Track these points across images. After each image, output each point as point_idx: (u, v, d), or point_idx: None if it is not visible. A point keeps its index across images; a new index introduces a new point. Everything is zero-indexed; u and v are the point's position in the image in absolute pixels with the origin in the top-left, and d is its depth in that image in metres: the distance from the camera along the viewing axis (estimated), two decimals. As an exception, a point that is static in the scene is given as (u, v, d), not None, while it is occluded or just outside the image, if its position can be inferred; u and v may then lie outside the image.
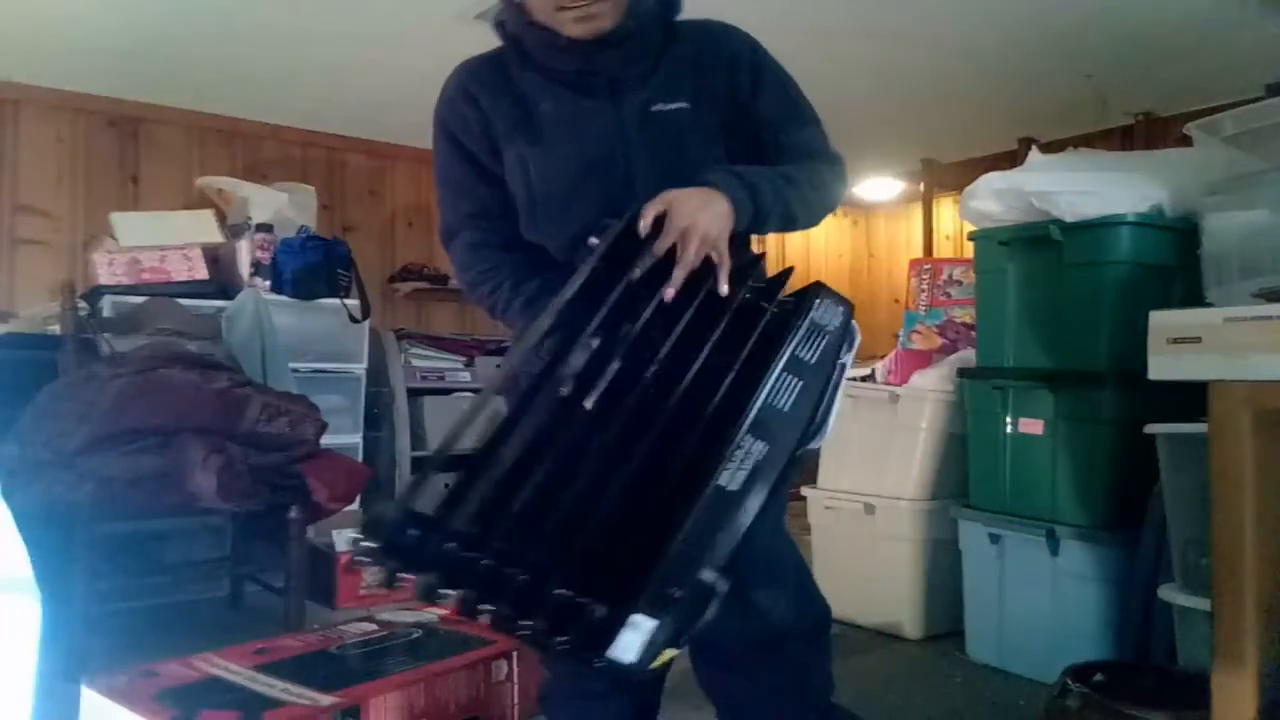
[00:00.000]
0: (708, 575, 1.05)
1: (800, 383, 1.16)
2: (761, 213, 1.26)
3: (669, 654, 1.03)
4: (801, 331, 1.18)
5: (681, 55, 1.38)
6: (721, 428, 1.11)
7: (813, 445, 1.20)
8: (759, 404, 1.11)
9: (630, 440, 1.11)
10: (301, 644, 1.96)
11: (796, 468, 1.21)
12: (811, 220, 1.39)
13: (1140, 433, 2.09)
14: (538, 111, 1.36)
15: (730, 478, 1.09)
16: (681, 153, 1.34)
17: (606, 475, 1.09)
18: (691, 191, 1.20)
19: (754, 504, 1.10)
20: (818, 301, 1.21)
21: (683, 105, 1.35)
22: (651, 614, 1.01)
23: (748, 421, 1.11)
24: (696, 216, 1.16)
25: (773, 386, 1.13)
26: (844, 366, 1.24)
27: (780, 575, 1.40)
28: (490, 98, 1.38)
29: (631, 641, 1.00)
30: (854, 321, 1.26)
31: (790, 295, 1.23)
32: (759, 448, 1.11)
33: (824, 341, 1.20)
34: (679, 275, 1.15)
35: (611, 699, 1.41)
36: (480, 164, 1.40)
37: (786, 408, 1.14)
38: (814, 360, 1.18)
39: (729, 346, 1.16)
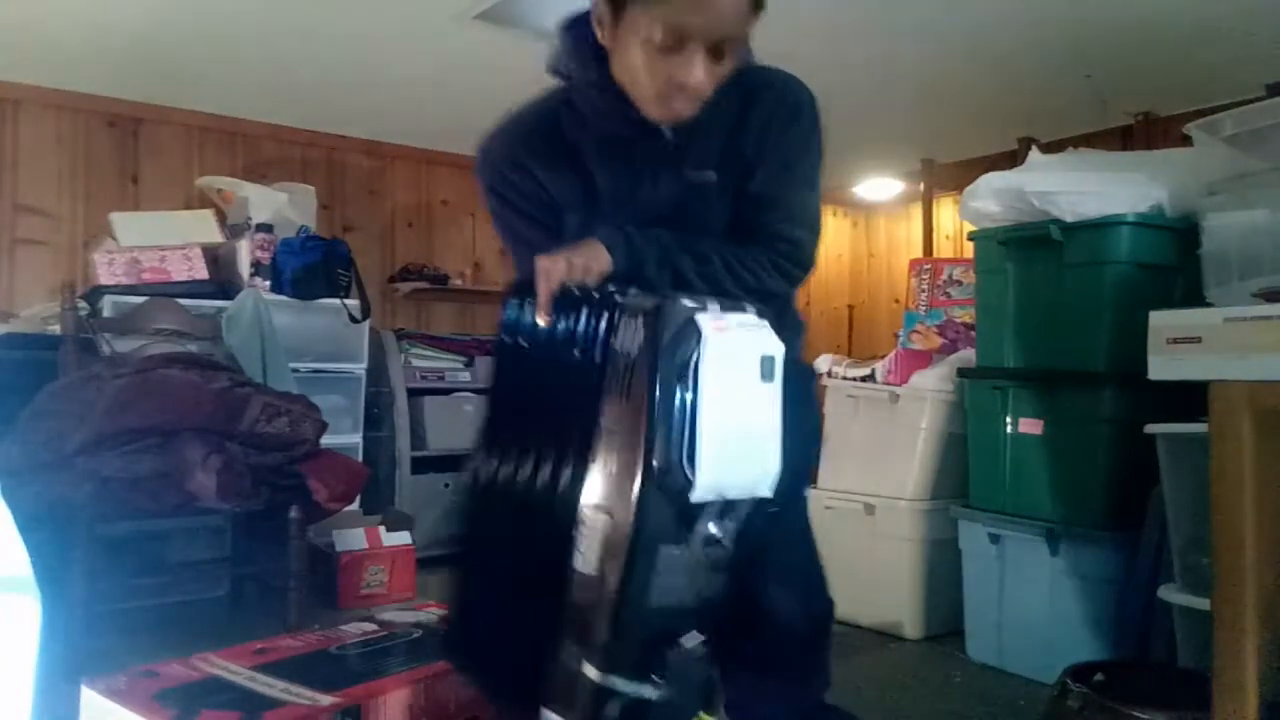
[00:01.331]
0: (586, 669, 0.99)
1: (622, 427, 1.01)
2: (635, 260, 1.21)
3: None
4: (612, 376, 1.03)
5: (723, 117, 1.30)
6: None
7: (699, 485, 1.00)
8: (586, 473, 1.03)
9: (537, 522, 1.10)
10: (301, 644, 1.96)
11: (698, 514, 1.03)
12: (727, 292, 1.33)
13: (1140, 433, 2.09)
14: (594, 176, 1.32)
15: (582, 560, 1.02)
16: (705, 225, 1.31)
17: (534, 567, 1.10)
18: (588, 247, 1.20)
19: (615, 584, 0.99)
20: (617, 327, 1.05)
21: (711, 177, 1.30)
22: (554, 709, 1.02)
23: (579, 499, 1.03)
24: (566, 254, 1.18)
25: (598, 450, 1.02)
26: (686, 376, 1.01)
27: (791, 574, 1.40)
28: (545, 169, 1.34)
29: None
30: (700, 316, 1.02)
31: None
32: (602, 520, 1.01)
33: (633, 368, 1.01)
34: (540, 298, 1.15)
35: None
36: (543, 223, 1.37)
37: (614, 468, 1.01)
38: (629, 393, 1.01)
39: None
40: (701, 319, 1.01)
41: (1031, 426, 2.41)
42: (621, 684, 0.98)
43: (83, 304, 2.90)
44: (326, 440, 2.63)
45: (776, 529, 1.14)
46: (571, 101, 1.33)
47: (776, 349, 1.06)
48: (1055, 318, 2.36)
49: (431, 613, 2.22)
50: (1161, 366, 1.92)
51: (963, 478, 2.64)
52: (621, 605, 0.98)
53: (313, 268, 3.31)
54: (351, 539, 3.08)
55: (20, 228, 3.51)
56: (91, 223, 3.58)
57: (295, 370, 3.13)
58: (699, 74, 1.18)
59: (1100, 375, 2.27)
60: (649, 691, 0.99)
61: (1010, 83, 3.42)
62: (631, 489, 0.99)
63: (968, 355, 2.79)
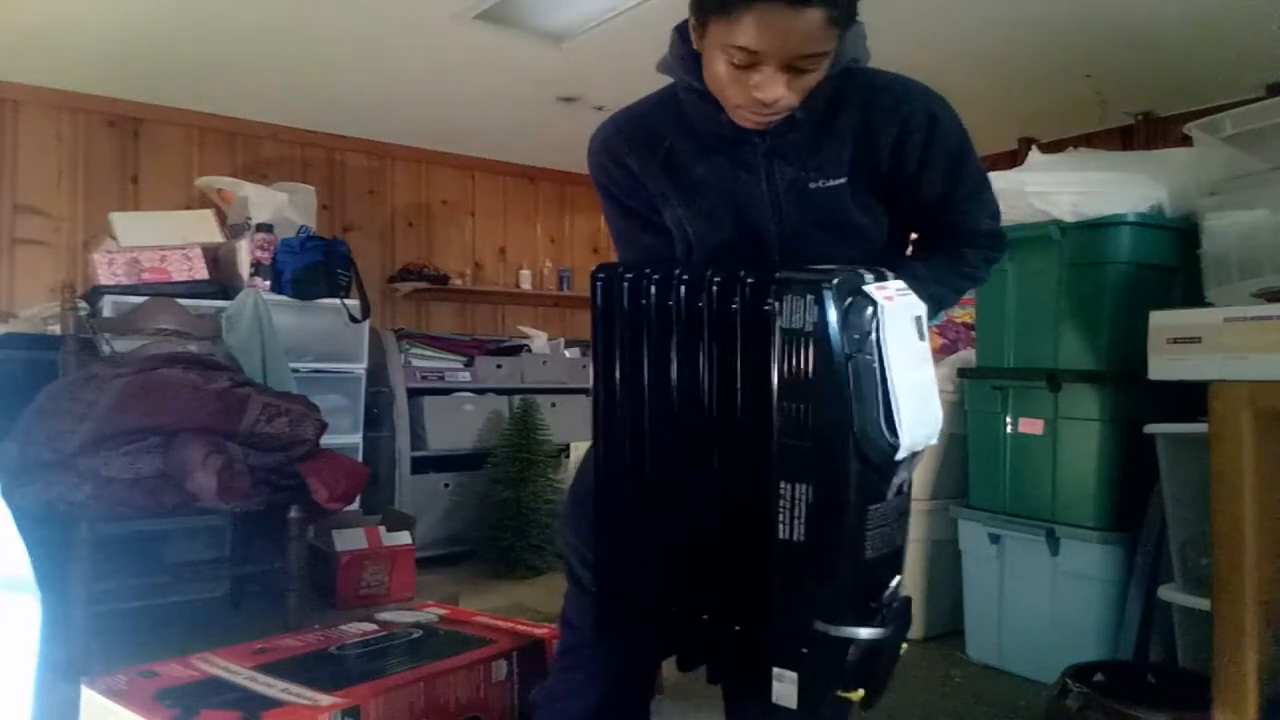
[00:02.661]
0: (822, 626, 1.05)
1: (806, 405, 1.04)
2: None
3: (854, 695, 1.07)
4: (776, 350, 1.06)
5: (846, 124, 1.29)
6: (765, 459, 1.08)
7: (903, 445, 1.06)
8: (774, 448, 1.06)
9: (709, 481, 1.13)
10: (301, 644, 1.96)
11: (894, 470, 1.10)
12: (949, 306, 1.40)
13: (1140, 433, 2.09)
14: (691, 174, 1.32)
15: (788, 529, 1.06)
16: (836, 226, 1.30)
17: (709, 519, 1.13)
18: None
19: (837, 546, 1.04)
20: (777, 306, 1.07)
21: (841, 182, 1.28)
22: (787, 667, 1.07)
23: (773, 469, 1.06)
24: None
25: (780, 426, 1.06)
26: (867, 345, 1.05)
27: None
28: (640, 160, 1.34)
29: (785, 691, 1.07)
30: (868, 287, 1.07)
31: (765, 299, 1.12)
32: (801, 490, 1.05)
33: (809, 344, 1.04)
34: None
35: (603, 714, 1.40)
36: (642, 216, 1.39)
37: (808, 440, 1.05)
38: (811, 369, 1.04)
39: (755, 369, 1.09)
40: (870, 290, 1.06)
41: (1031, 426, 2.41)
42: (858, 631, 1.05)
43: (83, 304, 2.90)
44: (326, 440, 2.63)
45: None
46: (677, 98, 1.33)
47: (922, 309, 1.14)
48: (1055, 318, 2.36)
49: (431, 613, 2.22)
50: (1161, 366, 1.92)
51: (963, 478, 2.64)
52: (844, 565, 1.05)
53: (313, 268, 3.31)
54: (351, 539, 3.08)
55: (20, 228, 3.51)
56: (91, 223, 3.58)
57: (295, 370, 3.13)
58: (776, 91, 1.17)
59: (1100, 375, 2.27)
60: (880, 633, 1.06)
61: (1010, 83, 3.42)
62: (835, 459, 1.04)
63: (968, 355, 2.79)
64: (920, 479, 2.70)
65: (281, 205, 3.41)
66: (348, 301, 3.39)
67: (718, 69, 1.19)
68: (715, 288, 1.12)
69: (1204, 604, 1.66)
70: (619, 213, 1.42)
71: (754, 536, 1.10)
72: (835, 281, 1.04)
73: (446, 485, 3.76)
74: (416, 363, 3.85)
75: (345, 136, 4.20)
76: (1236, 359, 1.70)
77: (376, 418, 3.67)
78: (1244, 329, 1.73)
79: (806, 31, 1.13)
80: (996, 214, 1.40)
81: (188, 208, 3.69)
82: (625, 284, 1.19)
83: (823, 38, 1.14)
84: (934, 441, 1.15)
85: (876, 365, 1.04)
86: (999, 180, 2.40)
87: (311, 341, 3.34)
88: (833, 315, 1.03)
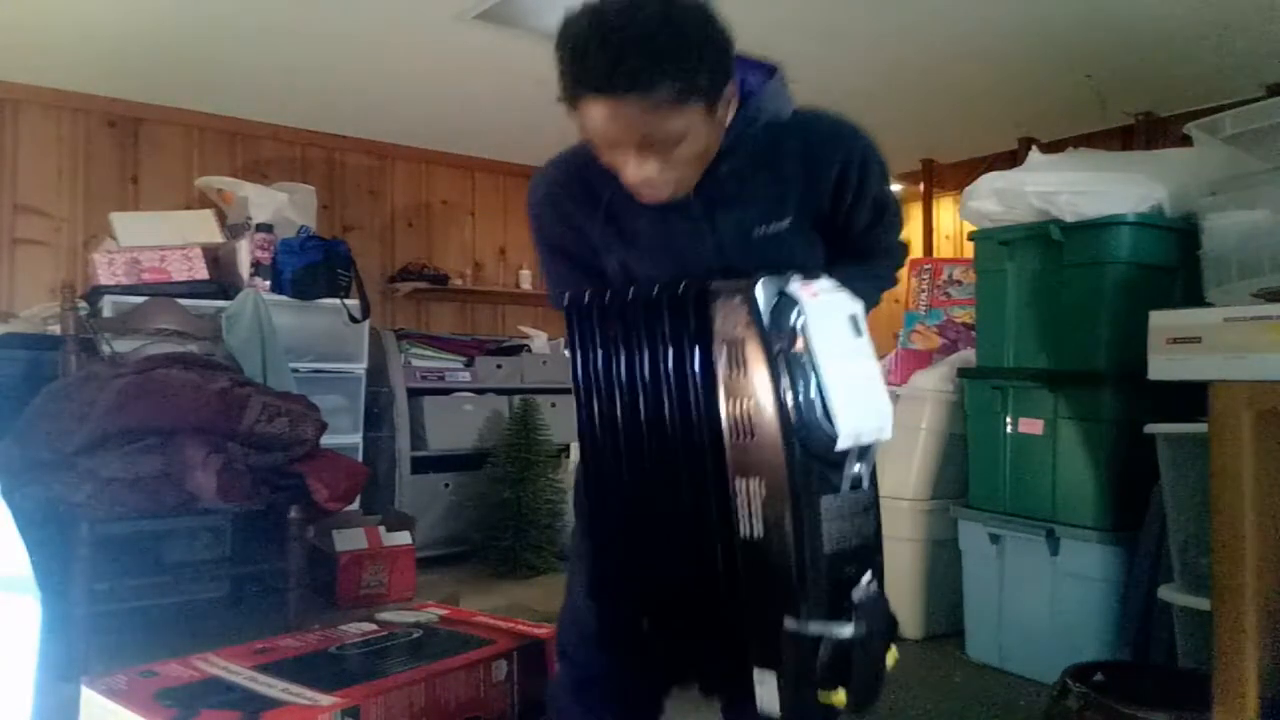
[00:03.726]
0: (791, 624, 1.06)
1: (747, 402, 1.08)
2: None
3: (835, 697, 1.08)
4: (718, 354, 1.10)
5: (787, 171, 1.29)
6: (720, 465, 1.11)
7: (842, 433, 1.09)
8: (726, 449, 1.09)
9: (680, 492, 1.16)
10: (301, 644, 1.96)
11: (843, 461, 1.13)
12: (871, 306, 1.42)
13: (1140, 433, 2.09)
14: (633, 225, 1.32)
15: (747, 526, 1.09)
16: (782, 266, 1.30)
17: (682, 538, 1.17)
18: None
19: (792, 537, 1.06)
20: (708, 314, 1.11)
21: (784, 226, 1.30)
22: (766, 668, 1.09)
23: (728, 469, 1.10)
24: None
25: (729, 427, 1.09)
26: (791, 339, 1.09)
27: None
28: (583, 214, 1.34)
29: (768, 695, 1.09)
30: (792, 287, 1.10)
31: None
32: (755, 486, 1.08)
33: (744, 345, 1.08)
34: None
35: (611, 707, 1.41)
36: (584, 262, 1.40)
37: (752, 435, 1.08)
38: (747, 368, 1.08)
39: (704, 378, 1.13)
40: (793, 289, 1.10)
41: (1031, 426, 2.41)
42: (825, 627, 1.06)
43: (83, 304, 2.90)
44: (326, 440, 2.63)
45: None
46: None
47: (857, 307, 1.16)
48: (1055, 318, 2.36)
49: (431, 613, 2.22)
50: (1161, 366, 1.92)
51: (963, 478, 2.64)
52: (802, 557, 1.07)
53: (313, 268, 3.31)
54: (351, 539, 3.08)
55: (20, 228, 3.51)
56: (91, 223, 3.58)
57: (295, 370, 3.13)
58: (646, 171, 1.16)
59: (1100, 375, 2.26)
60: (850, 630, 1.07)
61: (1010, 83, 3.42)
62: (778, 452, 1.06)
63: (968, 355, 2.79)
64: (920, 479, 2.71)
65: (281, 205, 3.41)
66: (348, 301, 3.39)
67: (598, 152, 1.20)
68: (665, 301, 1.16)
69: (1204, 604, 1.66)
70: (558, 257, 1.42)
71: (723, 540, 1.12)
72: (761, 282, 1.08)
73: (446, 485, 3.76)
74: (416, 363, 3.85)
75: (345, 136, 4.20)
76: (1236, 359, 1.70)
77: (376, 418, 3.67)
78: (1244, 329, 1.73)
79: (644, 118, 1.10)
80: (901, 227, 1.49)
81: (188, 208, 3.69)
82: (594, 309, 1.23)
83: (669, 118, 1.11)
84: (886, 435, 1.16)
85: (808, 360, 1.08)
86: (999, 180, 2.42)
87: (311, 341, 3.34)
88: (761, 315, 1.07)
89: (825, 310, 1.11)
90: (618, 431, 1.23)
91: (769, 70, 1.30)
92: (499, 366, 4.01)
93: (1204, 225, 2.17)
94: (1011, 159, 3.72)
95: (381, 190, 4.36)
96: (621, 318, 1.20)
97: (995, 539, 2.47)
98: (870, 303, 1.39)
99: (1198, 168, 2.27)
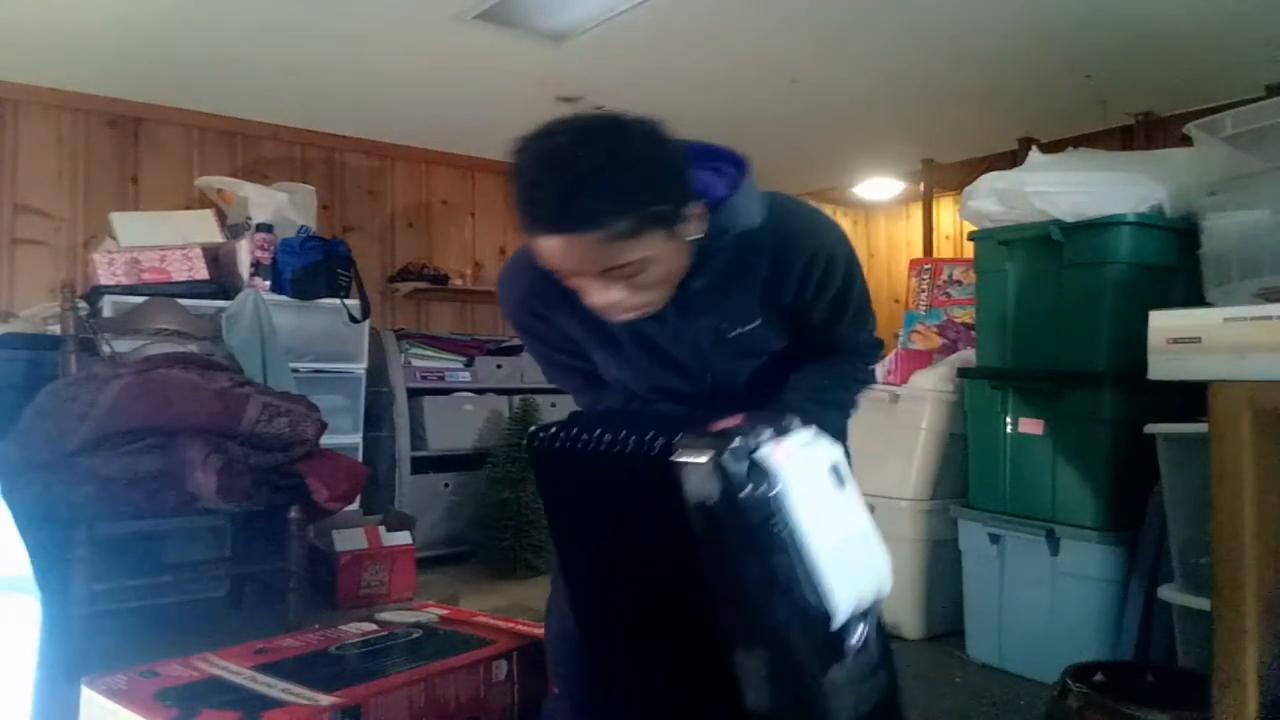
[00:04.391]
0: None
1: (733, 574, 1.00)
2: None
3: None
4: (694, 519, 1.01)
5: (756, 275, 1.30)
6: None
7: (837, 611, 1.00)
8: (719, 616, 1.03)
9: (673, 651, 1.11)
10: (301, 644, 1.96)
11: (845, 629, 1.03)
12: (843, 418, 1.43)
13: (1140, 433, 2.09)
14: (607, 329, 1.32)
15: (755, 696, 1.03)
16: (755, 355, 1.37)
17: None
18: None
19: (800, 712, 1.01)
20: (682, 478, 1.01)
21: (756, 324, 1.32)
22: None
23: (727, 638, 1.03)
24: None
25: (718, 596, 1.03)
26: (775, 516, 1.00)
27: None
28: (561, 317, 1.35)
29: None
30: (763, 451, 1.00)
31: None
32: (757, 657, 1.02)
33: (717, 516, 1.00)
34: None
35: None
36: (569, 351, 1.42)
37: (745, 608, 1.01)
38: (725, 540, 1.00)
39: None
40: (764, 455, 0.99)
41: (1031, 426, 2.41)
42: None
43: (83, 304, 2.90)
44: (326, 440, 2.63)
45: None
46: None
47: (836, 453, 1.07)
48: (1055, 318, 2.36)
49: (431, 613, 2.22)
50: (1161, 366, 1.92)
51: (963, 478, 2.64)
52: None
53: (313, 268, 3.31)
54: (351, 539, 3.08)
55: (20, 228, 3.51)
56: (91, 223, 3.57)
57: (295, 370, 3.13)
58: (611, 297, 1.15)
59: (1100, 375, 2.26)
60: None
61: (1010, 83, 3.42)
62: (773, 628, 1.00)
63: (968, 355, 2.79)
64: (920, 479, 2.71)
65: (281, 205, 3.41)
66: (348, 301, 3.39)
67: None
68: (632, 455, 1.08)
69: (1204, 604, 1.66)
70: (546, 351, 1.45)
71: (725, 705, 1.06)
72: (732, 448, 0.99)
73: (446, 485, 3.76)
74: (416, 363, 3.85)
75: (345, 136, 4.20)
76: (1236, 359, 1.70)
77: (376, 418, 3.67)
78: (1244, 329, 1.73)
79: (600, 251, 1.08)
80: (874, 325, 1.48)
81: (188, 208, 3.68)
82: (556, 447, 1.18)
83: (627, 250, 1.09)
84: (886, 590, 1.07)
85: (788, 535, 0.98)
86: (999, 180, 2.42)
87: (311, 341, 3.34)
88: (733, 485, 0.98)
89: (802, 472, 1.02)
90: (601, 587, 1.17)
91: (737, 163, 1.26)
92: (499, 366, 4.01)
93: (1204, 225, 2.17)
94: (1011, 159, 3.72)
95: (381, 190, 4.36)
96: (589, 467, 1.13)
97: (995, 539, 2.47)
98: (845, 411, 1.42)
99: (1198, 168, 2.27)
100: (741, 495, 0.98)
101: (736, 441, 1.00)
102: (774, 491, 0.98)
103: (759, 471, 0.99)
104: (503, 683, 1.89)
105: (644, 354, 1.34)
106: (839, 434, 1.32)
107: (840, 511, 1.05)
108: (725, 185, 1.23)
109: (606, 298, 1.15)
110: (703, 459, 1.00)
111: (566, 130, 1.09)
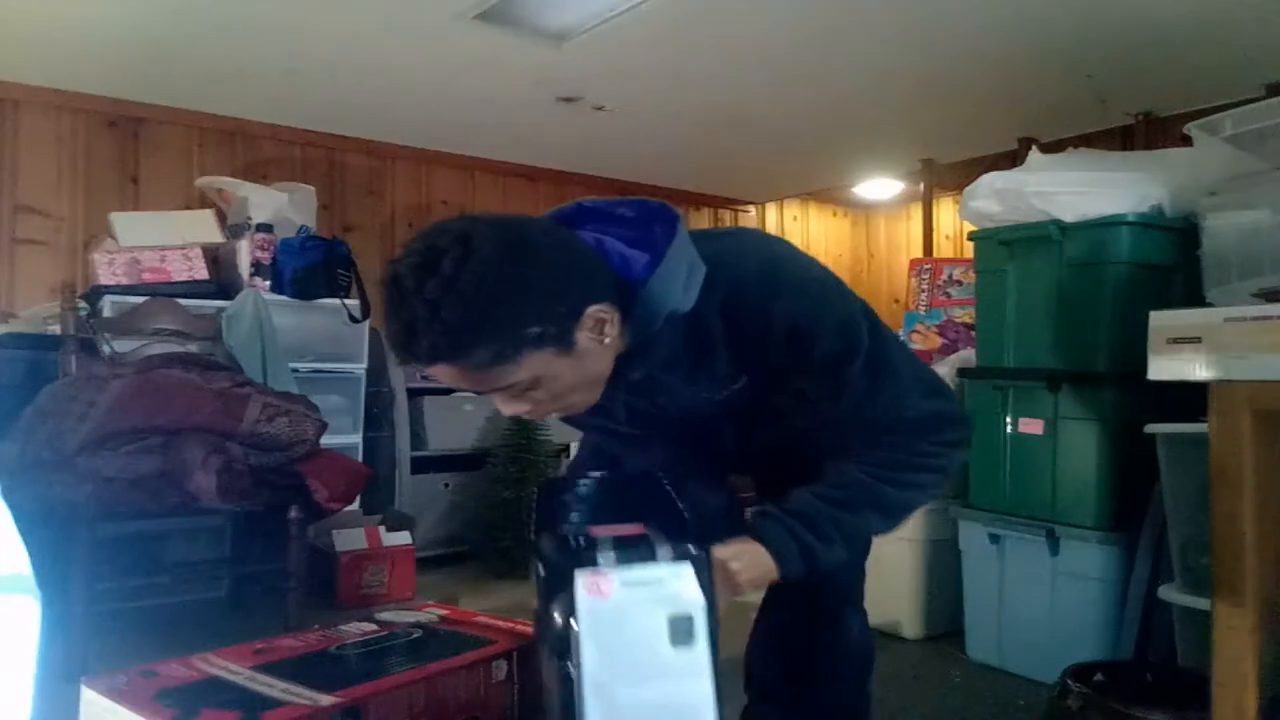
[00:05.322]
0: None
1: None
2: (813, 565, 1.12)
3: None
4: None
5: (711, 348, 1.16)
6: None
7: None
8: None
9: None
10: (301, 644, 1.95)
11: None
12: (891, 525, 1.19)
13: (1140, 433, 2.09)
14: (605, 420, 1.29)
15: None
16: (767, 413, 1.23)
17: None
18: (745, 558, 1.10)
19: None
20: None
21: (742, 384, 1.19)
22: None
23: None
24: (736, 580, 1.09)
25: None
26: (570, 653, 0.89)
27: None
28: None
29: None
30: (581, 579, 0.88)
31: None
32: None
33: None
34: None
35: None
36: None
37: None
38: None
39: None
40: (581, 579, 0.86)
41: (1032, 426, 2.41)
42: None
43: (83, 304, 2.90)
44: (326, 440, 2.63)
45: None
46: None
47: (693, 605, 0.88)
48: (1055, 318, 2.36)
49: (431, 613, 2.22)
50: (1161, 366, 1.92)
51: (963, 478, 2.64)
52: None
53: (313, 268, 3.31)
54: (351, 539, 3.08)
55: (20, 228, 3.51)
56: (91, 223, 3.57)
57: (295, 370, 3.13)
58: (516, 408, 1.10)
59: (1100, 375, 2.26)
60: None
61: (1010, 83, 3.42)
62: None
63: (968, 355, 2.79)
64: (920, 479, 2.70)
65: (281, 205, 3.41)
66: (348, 301, 3.39)
67: None
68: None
69: (1204, 604, 1.66)
70: None
71: None
72: (547, 568, 0.90)
73: (446, 485, 3.76)
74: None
75: (345, 136, 4.20)
76: (1236, 359, 1.69)
77: (376, 418, 3.67)
78: (1244, 329, 1.73)
79: (470, 377, 1.03)
80: (895, 391, 1.18)
81: (188, 208, 3.68)
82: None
83: (505, 374, 1.02)
84: None
85: (576, 678, 0.86)
86: (999, 180, 2.42)
87: (311, 341, 3.33)
88: (552, 612, 0.88)
89: (615, 614, 0.86)
90: None
91: (667, 221, 1.10)
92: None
93: (1204, 225, 2.17)
94: (1011, 159, 3.72)
95: (381, 190, 4.36)
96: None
97: (995, 539, 2.47)
98: (893, 507, 1.17)
99: (1198, 168, 2.27)
100: (548, 618, 0.89)
101: (565, 553, 0.92)
102: (574, 631, 0.86)
103: (569, 603, 0.87)
104: (503, 683, 1.89)
105: (658, 437, 1.29)
106: (868, 535, 1.17)
107: (659, 674, 0.87)
108: (644, 264, 1.07)
109: (509, 408, 1.10)
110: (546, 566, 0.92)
111: (415, 254, 0.99)
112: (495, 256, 0.96)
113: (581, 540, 0.92)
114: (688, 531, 0.95)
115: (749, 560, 1.10)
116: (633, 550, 0.92)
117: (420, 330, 0.96)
